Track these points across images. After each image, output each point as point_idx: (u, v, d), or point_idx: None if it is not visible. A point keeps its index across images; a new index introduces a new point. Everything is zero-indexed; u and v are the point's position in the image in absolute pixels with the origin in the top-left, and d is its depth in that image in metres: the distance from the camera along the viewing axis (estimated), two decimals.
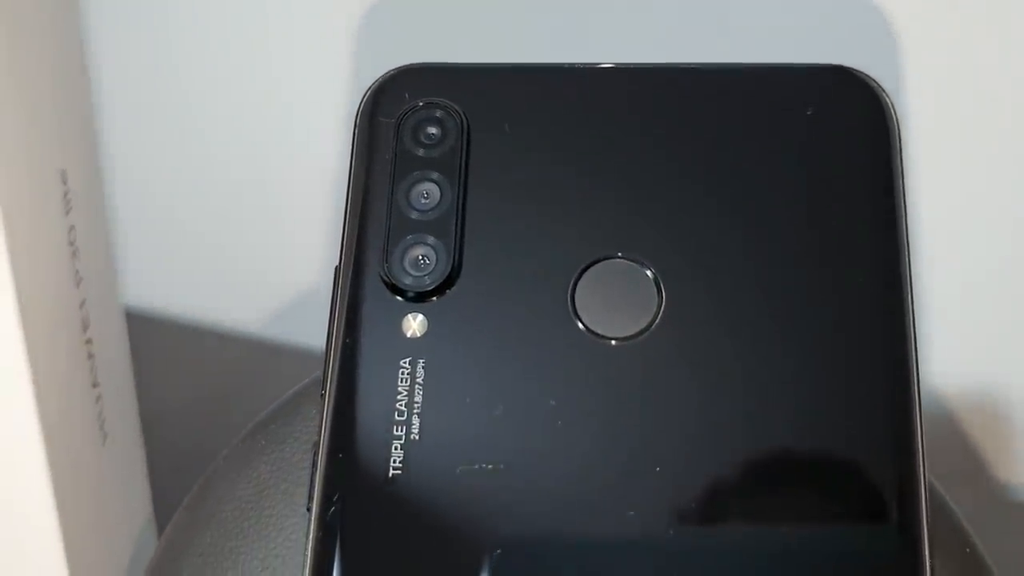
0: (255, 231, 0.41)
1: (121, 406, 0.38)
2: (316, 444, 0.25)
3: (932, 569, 0.24)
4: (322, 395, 0.26)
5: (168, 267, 0.43)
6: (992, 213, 0.38)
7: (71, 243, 0.33)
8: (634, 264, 0.26)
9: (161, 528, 0.41)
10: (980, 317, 0.40)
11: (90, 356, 0.35)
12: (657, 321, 0.26)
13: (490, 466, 0.25)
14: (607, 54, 0.29)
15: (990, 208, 0.38)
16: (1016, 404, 0.42)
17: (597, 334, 0.25)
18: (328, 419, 0.25)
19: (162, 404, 0.42)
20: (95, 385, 0.35)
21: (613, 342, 0.25)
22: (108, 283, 0.37)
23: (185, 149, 0.40)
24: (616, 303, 0.26)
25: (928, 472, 0.25)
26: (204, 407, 0.45)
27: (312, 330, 0.34)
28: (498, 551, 0.24)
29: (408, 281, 0.26)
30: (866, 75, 0.27)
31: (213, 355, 0.45)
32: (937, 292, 0.40)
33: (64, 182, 0.33)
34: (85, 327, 0.34)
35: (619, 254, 0.26)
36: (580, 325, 0.26)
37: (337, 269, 0.27)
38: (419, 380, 0.25)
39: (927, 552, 0.24)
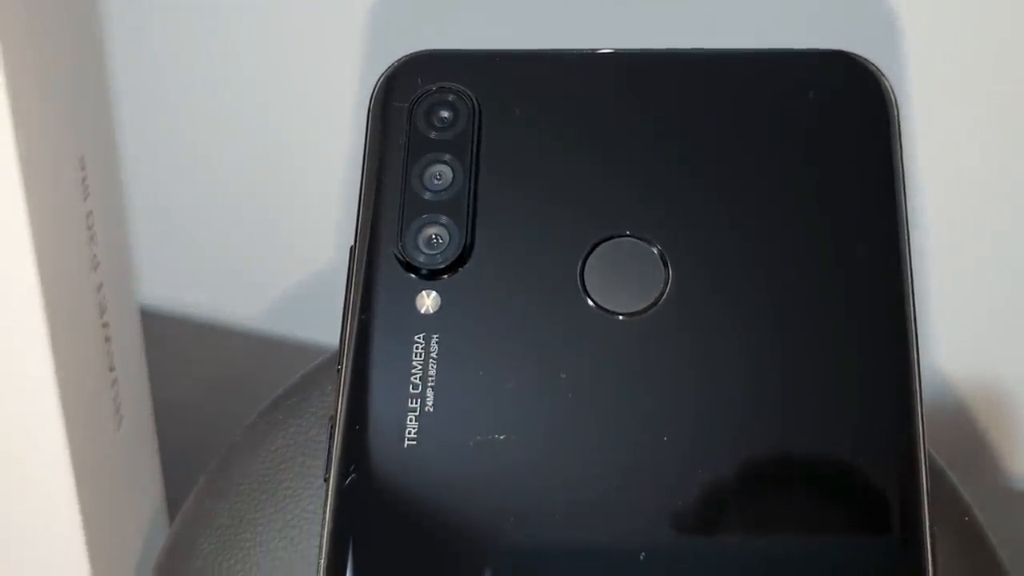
0: (268, 220, 0.42)
1: (135, 391, 0.39)
2: (332, 417, 0.26)
3: (932, 536, 0.25)
4: (338, 370, 0.26)
5: (179, 259, 0.44)
6: (999, 199, 0.39)
7: (89, 227, 0.34)
8: (641, 242, 0.27)
9: (173, 510, 0.41)
10: (985, 302, 0.41)
11: (107, 340, 0.36)
12: (664, 297, 0.26)
13: (503, 437, 0.25)
14: (613, 40, 0.30)
15: (998, 194, 0.39)
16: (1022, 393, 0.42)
17: (606, 310, 0.26)
18: (344, 392, 0.26)
19: (173, 392, 0.43)
20: (111, 369, 0.36)
21: (621, 317, 0.26)
22: (123, 269, 0.38)
23: (198, 139, 0.40)
24: (624, 280, 0.26)
25: (927, 440, 0.25)
26: (213, 397, 0.45)
27: (322, 323, 0.35)
28: (511, 520, 0.25)
29: (422, 259, 0.27)
30: (866, 60, 0.28)
31: (223, 345, 0.46)
32: (943, 279, 0.40)
33: (83, 168, 0.33)
34: (102, 311, 0.35)
35: (627, 232, 0.27)
36: (589, 301, 0.26)
37: (352, 249, 0.27)
38: (433, 355, 0.26)
39: (927, 526, 0.25)
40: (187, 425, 0.43)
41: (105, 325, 0.36)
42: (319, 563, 0.25)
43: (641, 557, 0.24)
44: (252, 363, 0.45)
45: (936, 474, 0.29)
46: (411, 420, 0.26)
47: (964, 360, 0.42)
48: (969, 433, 0.43)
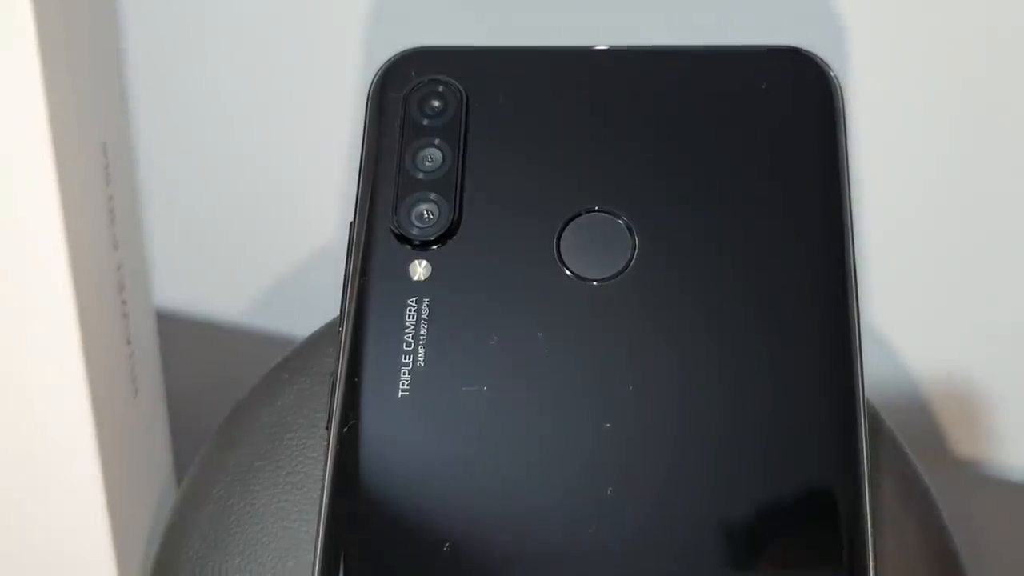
0: (272, 210, 0.44)
1: (149, 364, 0.41)
2: (333, 373, 0.29)
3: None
4: (339, 331, 0.29)
5: (189, 250, 0.46)
6: (950, 190, 0.41)
7: (111, 210, 0.37)
8: (611, 216, 0.30)
9: (180, 476, 0.44)
10: (944, 293, 0.43)
11: (125, 316, 0.38)
12: (632, 264, 0.29)
13: (486, 388, 0.28)
14: (589, 38, 0.33)
15: (948, 185, 0.41)
16: (981, 381, 0.45)
17: (580, 276, 0.29)
18: (344, 350, 0.29)
19: (182, 382, 0.45)
20: (128, 342, 0.39)
21: (594, 283, 0.29)
22: (139, 251, 0.40)
23: (210, 132, 0.43)
24: (596, 249, 0.29)
25: (865, 393, 0.28)
26: (222, 384, 0.48)
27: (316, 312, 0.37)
28: (493, 460, 0.28)
29: (414, 232, 0.30)
30: (814, 54, 0.31)
31: (226, 336, 0.48)
32: (896, 272, 0.42)
33: (105, 155, 0.36)
34: (121, 288, 0.38)
35: (596, 208, 0.30)
36: (565, 268, 0.29)
37: (352, 224, 0.30)
38: (424, 316, 0.29)
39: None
40: (194, 404, 0.45)
41: (124, 302, 0.38)
42: (321, 503, 0.28)
43: (608, 492, 0.27)
44: (254, 352, 0.48)
45: (873, 427, 0.32)
46: (404, 374, 0.29)
47: (926, 349, 0.44)
48: (928, 420, 0.45)
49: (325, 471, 0.28)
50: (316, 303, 0.45)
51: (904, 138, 0.40)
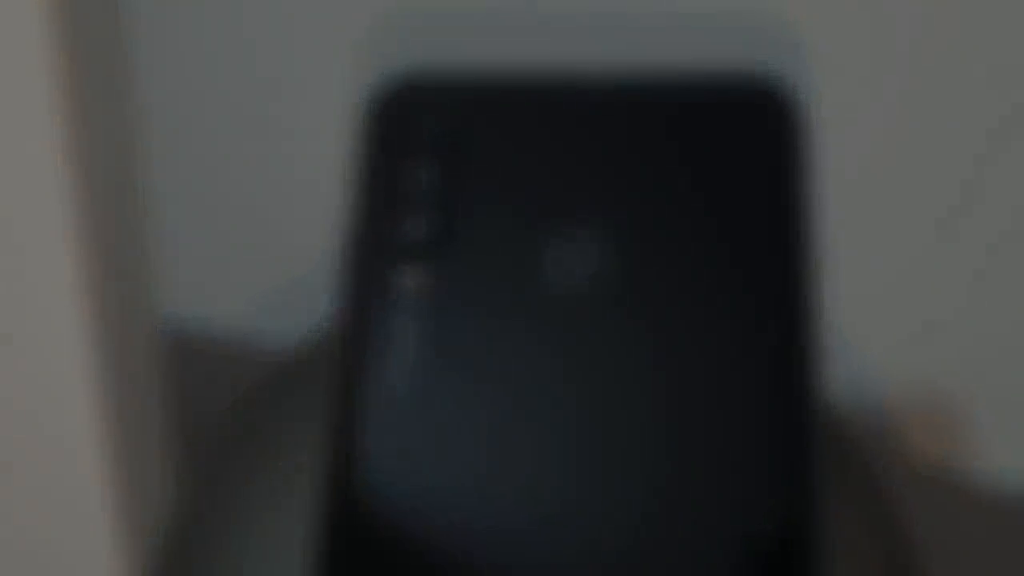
0: (273, 221, 0.45)
1: (151, 366, 0.42)
2: (331, 374, 0.30)
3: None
4: (335, 338, 0.31)
5: (188, 256, 0.46)
6: (913, 207, 0.42)
7: (117, 216, 0.37)
8: (591, 234, 0.31)
9: (181, 478, 0.44)
10: (906, 302, 0.44)
11: (128, 319, 0.39)
12: (605, 277, 0.31)
13: (478, 393, 0.30)
14: (569, 53, 0.34)
15: (912, 202, 0.42)
16: (950, 387, 0.44)
17: (555, 284, 0.31)
18: (341, 355, 0.30)
19: (182, 378, 0.46)
20: (131, 345, 0.40)
21: (570, 293, 0.31)
22: (144, 255, 0.41)
23: (211, 145, 0.43)
24: (571, 263, 0.31)
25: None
26: (221, 389, 0.48)
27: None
28: (485, 446, 0.29)
29: (406, 243, 0.31)
30: (779, 79, 0.32)
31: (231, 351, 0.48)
32: (860, 288, 0.43)
33: (113, 162, 0.37)
34: (125, 292, 0.39)
35: (575, 227, 0.31)
36: (543, 278, 0.31)
37: (346, 236, 0.32)
38: (416, 322, 0.31)
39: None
40: (195, 406, 0.46)
41: (127, 305, 0.39)
42: (317, 504, 0.30)
43: (581, 495, 0.29)
44: (254, 356, 0.48)
45: (855, 459, 0.33)
46: (398, 380, 0.30)
47: (893, 354, 0.45)
48: (897, 425, 0.46)
49: (322, 474, 0.30)
50: (315, 310, 0.46)
51: (868, 141, 0.40)
